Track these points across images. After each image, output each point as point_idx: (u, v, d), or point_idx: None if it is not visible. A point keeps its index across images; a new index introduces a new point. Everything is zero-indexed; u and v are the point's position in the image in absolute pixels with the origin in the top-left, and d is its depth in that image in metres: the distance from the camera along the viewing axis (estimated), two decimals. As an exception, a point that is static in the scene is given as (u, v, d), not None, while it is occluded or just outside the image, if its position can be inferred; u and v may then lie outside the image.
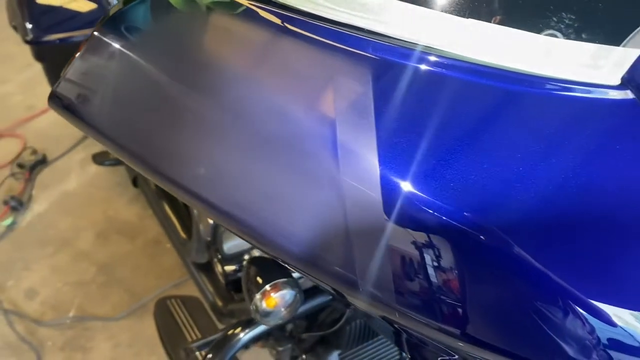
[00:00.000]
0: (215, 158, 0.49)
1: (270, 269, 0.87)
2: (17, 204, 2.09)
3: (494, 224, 0.41)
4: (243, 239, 0.51)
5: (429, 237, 0.43)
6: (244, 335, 1.00)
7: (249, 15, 0.50)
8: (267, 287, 0.82)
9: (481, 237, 0.41)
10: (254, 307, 0.81)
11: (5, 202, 2.08)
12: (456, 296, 0.43)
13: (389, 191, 0.43)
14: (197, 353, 1.18)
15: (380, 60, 0.46)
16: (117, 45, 0.53)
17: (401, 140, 0.43)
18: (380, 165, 0.43)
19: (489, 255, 0.41)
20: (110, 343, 1.82)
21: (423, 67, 0.45)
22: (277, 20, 0.49)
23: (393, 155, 0.43)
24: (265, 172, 0.47)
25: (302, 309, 0.93)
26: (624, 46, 0.44)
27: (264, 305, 0.82)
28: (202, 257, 1.52)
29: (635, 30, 0.43)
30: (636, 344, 0.43)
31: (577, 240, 0.42)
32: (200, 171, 0.50)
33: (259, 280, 0.85)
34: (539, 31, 0.43)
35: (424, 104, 0.44)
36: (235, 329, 1.03)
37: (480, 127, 0.43)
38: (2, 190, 2.21)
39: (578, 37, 0.43)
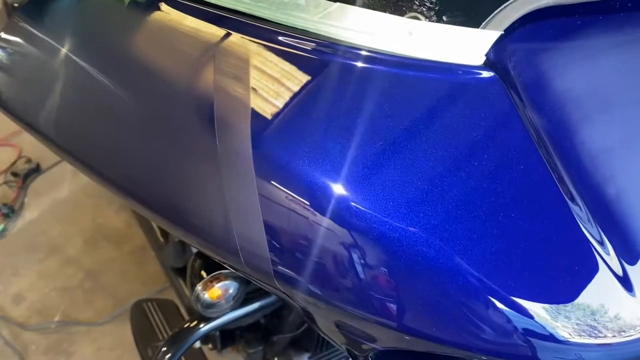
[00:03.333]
0: (115, 137, 0.52)
1: (215, 264, 0.89)
2: (9, 211, 2.14)
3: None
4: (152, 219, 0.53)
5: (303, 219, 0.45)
6: (198, 330, 1.02)
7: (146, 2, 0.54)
8: (209, 278, 0.84)
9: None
10: (194, 298, 0.83)
11: (-4, 209, 2.12)
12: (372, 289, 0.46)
13: (259, 166, 0.45)
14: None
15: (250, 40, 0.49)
16: (32, 30, 0.57)
17: (273, 120, 0.46)
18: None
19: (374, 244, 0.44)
20: (93, 347, 1.84)
21: (295, 49, 0.48)
22: (167, 6, 0.52)
23: (265, 130, 0.46)
24: (160, 149, 0.50)
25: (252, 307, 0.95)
26: (483, 28, 0.46)
27: (206, 296, 0.84)
28: (179, 262, 1.55)
29: (494, 13, 0.46)
30: (545, 332, 0.45)
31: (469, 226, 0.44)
32: (103, 150, 0.53)
33: (203, 273, 0.87)
34: (401, 14, 0.46)
35: (299, 84, 0.47)
36: (190, 323, 1.05)
37: (346, 108, 0.46)
38: (-5, 198, 2.26)
39: (440, 20, 0.46)
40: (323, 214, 0.43)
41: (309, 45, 0.47)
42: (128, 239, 2.12)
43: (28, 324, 1.92)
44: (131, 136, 0.50)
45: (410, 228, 0.43)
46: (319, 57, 0.46)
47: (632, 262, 0.47)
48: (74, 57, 0.54)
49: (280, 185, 0.44)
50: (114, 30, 0.55)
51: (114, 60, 0.52)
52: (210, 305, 0.85)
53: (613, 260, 0.47)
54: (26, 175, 2.29)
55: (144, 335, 1.51)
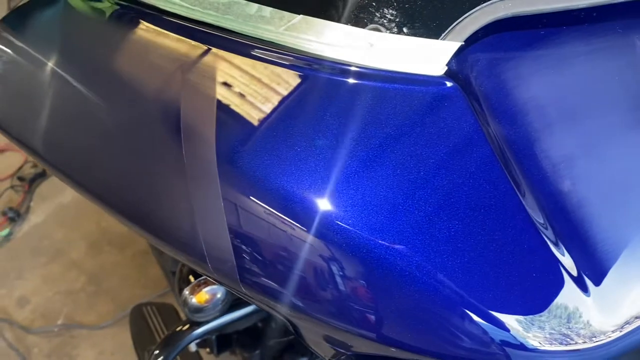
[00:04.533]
0: (89, 146, 0.53)
1: (204, 268, 0.90)
2: (15, 215, 2.17)
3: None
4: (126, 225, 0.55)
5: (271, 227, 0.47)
6: (190, 334, 1.03)
7: (120, 15, 0.55)
8: (196, 282, 0.85)
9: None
10: (182, 302, 0.85)
11: (4, 213, 2.15)
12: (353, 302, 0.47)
13: (223, 174, 0.47)
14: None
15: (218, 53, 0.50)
16: (15, 41, 0.59)
17: (236, 128, 0.47)
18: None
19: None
20: (95, 351, 1.86)
21: (260, 60, 0.49)
22: (139, 19, 0.54)
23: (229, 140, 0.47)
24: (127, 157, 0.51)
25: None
26: (443, 39, 0.47)
27: (194, 300, 0.85)
28: (177, 266, 1.56)
29: (454, 24, 0.47)
30: (517, 342, 0.46)
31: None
32: (79, 159, 0.54)
33: (191, 278, 0.89)
34: (363, 25, 0.47)
35: (262, 94, 0.48)
36: (182, 327, 1.06)
37: (306, 117, 0.47)
38: (1, 201, 2.29)
39: (400, 31, 0.47)
40: (284, 221, 0.44)
41: (274, 57, 0.48)
42: (131, 244, 2.15)
43: (32, 327, 1.94)
44: (105, 145, 0.52)
45: (375, 239, 0.44)
46: (283, 68, 0.48)
47: (593, 272, 0.48)
48: (53, 68, 0.56)
49: (243, 192, 0.45)
50: (91, 42, 0.56)
51: (90, 72, 0.54)
52: (198, 310, 0.87)
53: (573, 269, 0.48)
54: (32, 179, 2.33)
55: (142, 338, 1.53)
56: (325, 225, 0.44)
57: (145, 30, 0.53)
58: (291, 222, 0.45)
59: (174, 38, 0.51)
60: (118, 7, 0.55)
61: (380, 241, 0.44)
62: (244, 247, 0.46)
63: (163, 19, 0.52)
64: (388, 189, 0.45)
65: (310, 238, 0.45)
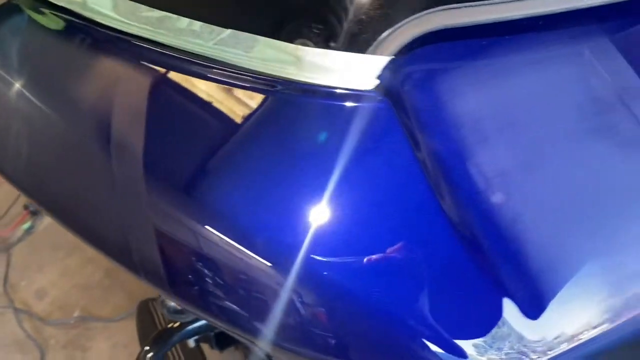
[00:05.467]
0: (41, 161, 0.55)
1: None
2: (36, 209, 2.22)
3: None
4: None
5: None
6: (180, 331, 1.05)
7: (65, 29, 0.56)
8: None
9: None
10: (160, 304, 0.86)
11: (26, 207, 2.21)
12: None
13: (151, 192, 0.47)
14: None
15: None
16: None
17: (162, 141, 0.47)
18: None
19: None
20: (109, 343, 1.91)
21: (190, 74, 0.49)
22: (82, 34, 0.55)
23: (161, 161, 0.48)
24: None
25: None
26: (372, 53, 0.47)
27: (172, 303, 0.86)
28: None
29: (380, 38, 0.46)
30: None
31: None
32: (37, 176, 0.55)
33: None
34: (291, 40, 0.47)
35: (192, 107, 0.48)
36: (174, 324, 1.08)
37: (232, 129, 0.47)
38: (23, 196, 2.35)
39: (328, 45, 0.47)
40: (194, 233, 0.44)
41: (204, 71, 0.49)
42: (146, 239, 2.18)
43: (49, 318, 2.00)
44: (47, 157, 0.53)
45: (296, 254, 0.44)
46: (212, 82, 0.48)
47: (530, 286, 0.47)
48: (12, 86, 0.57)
49: (167, 208, 0.46)
50: (36, 55, 0.57)
51: (33, 86, 0.55)
52: (176, 311, 0.88)
53: (511, 288, 0.47)
54: (53, 175, 2.38)
55: (147, 333, 1.55)
56: (247, 239, 0.44)
57: (85, 45, 0.53)
58: (214, 235, 0.45)
59: (112, 52, 0.51)
60: (62, 21, 0.56)
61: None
62: (172, 260, 0.47)
63: (103, 33, 0.53)
64: (311, 210, 0.45)
65: (232, 249, 0.45)
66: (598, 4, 0.50)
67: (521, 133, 0.49)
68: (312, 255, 0.44)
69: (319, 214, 0.45)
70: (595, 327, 0.48)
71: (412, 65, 0.48)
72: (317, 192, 0.45)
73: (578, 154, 0.49)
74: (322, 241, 0.45)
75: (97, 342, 1.92)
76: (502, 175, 0.47)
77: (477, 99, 0.49)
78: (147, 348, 1.08)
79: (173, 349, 1.39)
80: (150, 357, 1.06)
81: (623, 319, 0.47)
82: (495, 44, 0.50)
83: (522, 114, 0.49)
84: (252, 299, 0.47)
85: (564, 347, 0.49)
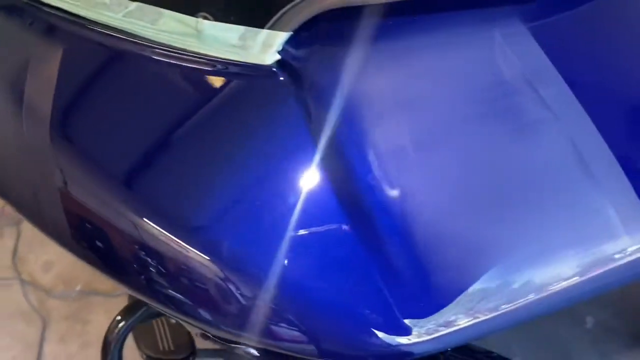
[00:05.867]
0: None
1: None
2: (47, 186, 2.28)
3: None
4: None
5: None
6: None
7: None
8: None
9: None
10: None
11: (37, 183, 2.27)
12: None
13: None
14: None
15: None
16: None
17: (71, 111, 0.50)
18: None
19: None
20: (108, 316, 1.95)
21: (102, 45, 0.51)
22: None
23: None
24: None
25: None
26: (269, 28, 0.48)
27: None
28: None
29: (279, 14, 0.47)
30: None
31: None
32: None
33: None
34: (192, 13, 0.48)
35: (100, 79, 0.50)
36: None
37: (135, 103, 0.49)
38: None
39: (227, 20, 0.48)
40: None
41: (114, 43, 0.50)
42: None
43: (53, 291, 2.06)
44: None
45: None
46: (121, 53, 0.50)
47: (418, 279, 0.48)
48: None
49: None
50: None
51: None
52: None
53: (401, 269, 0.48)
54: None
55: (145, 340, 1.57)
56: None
57: (11, 19, 0.56)
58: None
59: (31, 22, 0.54)
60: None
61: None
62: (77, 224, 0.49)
63: (29, 8, 0.55)
64: (209, 189, 0.46)
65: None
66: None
67: (420, 115, 0.49)
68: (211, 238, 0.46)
69: (217, 195, 0.46)
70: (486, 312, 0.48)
71: (312, 41, 0.49)
72: (212, 169, 0.47)
73: (477, 137, 0.49)
74: (225, 225, 0.46)
75: (97, 315, 1.97)
76: (397, 155, 0.48)
77: (378, 79, 0.49)
78: (118, 318, 1.11)
79: (159, 321, 1.41)
80: (121, 327, 1.08)
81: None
82: (401, 24, 0.50)
83: (424, 96, 0.50)
84: (175, 282, 0.49)
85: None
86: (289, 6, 0.47)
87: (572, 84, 0.51)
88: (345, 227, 0.47)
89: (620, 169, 0.51)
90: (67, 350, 1.98)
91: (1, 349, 1.95)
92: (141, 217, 0.47)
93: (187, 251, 0.46)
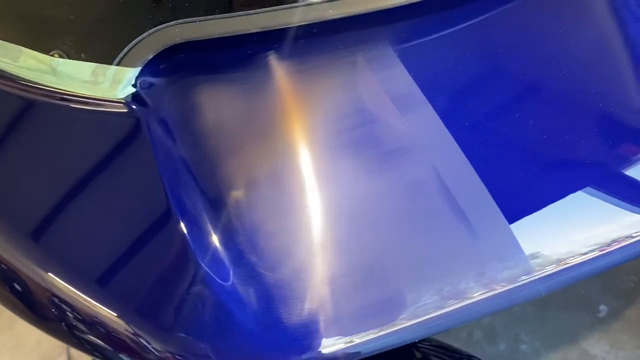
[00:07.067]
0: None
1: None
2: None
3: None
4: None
5: None
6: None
7: None
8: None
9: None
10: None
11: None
12: None
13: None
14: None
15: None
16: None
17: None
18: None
19: None
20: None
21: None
22: None
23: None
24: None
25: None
26: (117, 64, 0.49)
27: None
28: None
29: (125, 50, 0.48)
30: None
31: None
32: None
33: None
34: (47, 51, 0.50)
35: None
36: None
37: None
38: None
39: (79, 57, 0.49)
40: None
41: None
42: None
43: None
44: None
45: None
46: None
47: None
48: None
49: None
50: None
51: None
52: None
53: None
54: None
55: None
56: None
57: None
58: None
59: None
60: None
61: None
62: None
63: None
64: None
65: None
66: (371, 10, 0.49)
67: (274, 144, 0.49)
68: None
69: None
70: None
71: (168, 72, 0.50)
72: (71, 200, 0.49)
73: (331, 165, 0.49)
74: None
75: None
76: (248, 185, 0.48)
77: (230, 110, 0.49)
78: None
79: None
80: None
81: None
82: (257, 54, 0.50)
83: (278, 125, 0.49)
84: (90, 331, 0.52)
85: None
86: (132, 43, 0.48)
87: (438, 108, 0.50)
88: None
89: (489, 195, 0.49)
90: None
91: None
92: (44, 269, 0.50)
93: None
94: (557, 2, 0.52)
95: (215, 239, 0.49)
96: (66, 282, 0.49)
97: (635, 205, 0.50)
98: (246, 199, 0.48)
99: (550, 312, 1.59)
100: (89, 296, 0.48)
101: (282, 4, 0.48)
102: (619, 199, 0.51)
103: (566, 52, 0.51)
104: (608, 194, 0.51)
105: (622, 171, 0.51)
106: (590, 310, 1.58)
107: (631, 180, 0.51)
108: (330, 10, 0.46)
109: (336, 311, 0.48)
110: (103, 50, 0.48)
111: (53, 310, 0.51)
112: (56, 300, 0.50)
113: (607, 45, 0.54)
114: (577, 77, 0.52)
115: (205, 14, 0.47)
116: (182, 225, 0.47)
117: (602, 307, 1.58)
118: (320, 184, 0.48)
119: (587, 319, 1.56)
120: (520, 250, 0.50)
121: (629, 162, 0.51)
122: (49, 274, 0.49)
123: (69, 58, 0.49)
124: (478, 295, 0.49)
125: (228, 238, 0.48)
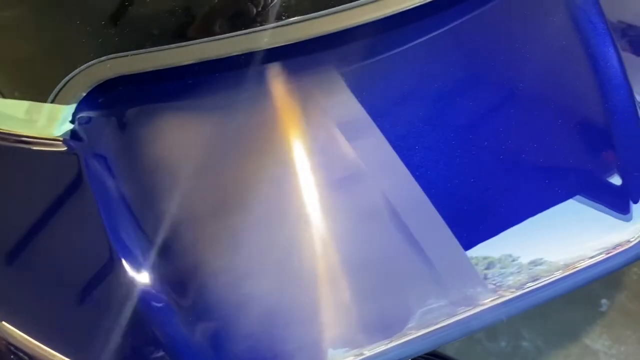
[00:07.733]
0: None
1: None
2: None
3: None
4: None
5: None
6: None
7: None
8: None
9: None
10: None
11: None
12: None
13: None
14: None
15: None
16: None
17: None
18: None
19: None
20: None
21: None
22: None
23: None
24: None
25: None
26: (51, 102, 0.48)
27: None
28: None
29: (57, 88, 0.47)
30: None
31: None
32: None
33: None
34: (-19, 91, 0.49)
35: None
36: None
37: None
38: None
39: (12, 96, 0.48)
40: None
41: None
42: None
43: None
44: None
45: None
46: None
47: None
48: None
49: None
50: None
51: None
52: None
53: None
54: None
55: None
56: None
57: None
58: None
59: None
60: None
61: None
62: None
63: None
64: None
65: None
66: (312, 36, 0.47)
67: (216, 178, 0.48)
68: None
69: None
70: None
71: (99, 109, 0.49)
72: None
73: (276, 197, 0.48)
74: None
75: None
76: (190, 221, 0.47)
77: (168, 141, 0.48)
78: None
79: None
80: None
81: None
82: (202, 84, 0.48)
83: (219, 158, 0.48)
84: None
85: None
86: (65, 80, 0.46)
87: (387, 133, 0.48)
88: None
89: (439, 217, 0.48)
90: None
91: None
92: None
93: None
94: (503, 27, 0.50)
95: (159, 279, 0.47)
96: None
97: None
98: (190, 235, 0.47)
99: (552, 307, 1.57)
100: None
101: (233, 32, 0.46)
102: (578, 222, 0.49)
103: (520, 72, 0.49)
104: (566, 216, 0.49)
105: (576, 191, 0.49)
106: (592, 305, 1.56)
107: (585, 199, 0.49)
108: (265, 40, 0.44)
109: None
110: (37, 88, 0.47)
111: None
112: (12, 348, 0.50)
113: (567, 59, 0.52)
114: (534, 94, 0.50)
115: (138, 47, 0.46)
116: (125, 264, 0.46)
117: (604, 301, 1.56)
118: (266, 216, 0.47)
119: (588, 313, 1.54)
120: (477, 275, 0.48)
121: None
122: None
123: (3, 97, 0.48)
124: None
125: (174, 277, 0.47)
